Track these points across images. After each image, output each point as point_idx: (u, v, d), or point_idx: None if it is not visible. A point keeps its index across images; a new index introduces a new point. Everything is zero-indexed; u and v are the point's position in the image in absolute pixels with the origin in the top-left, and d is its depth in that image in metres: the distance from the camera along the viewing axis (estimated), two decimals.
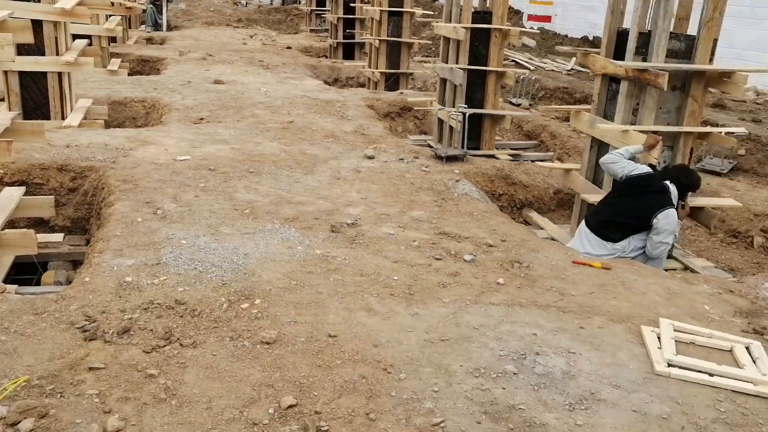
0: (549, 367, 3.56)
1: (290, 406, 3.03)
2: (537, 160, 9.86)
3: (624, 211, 5.66)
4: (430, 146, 9.26)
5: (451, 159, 7.89)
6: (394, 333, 3.80)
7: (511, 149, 10.43)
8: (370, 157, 7.65)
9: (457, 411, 3.15)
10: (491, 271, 4.86)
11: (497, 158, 9.22)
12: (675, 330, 4.14)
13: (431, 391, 3.28)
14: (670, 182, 5.71)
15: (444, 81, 9.71)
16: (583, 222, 5.97)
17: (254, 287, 4.15)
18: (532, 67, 15.68)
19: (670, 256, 6.46)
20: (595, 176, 6.71)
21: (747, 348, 4.03)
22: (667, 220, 5.50)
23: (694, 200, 6.26)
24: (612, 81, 6.54)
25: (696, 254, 7.14)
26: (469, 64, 9.23)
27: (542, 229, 7.18)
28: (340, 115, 9.76)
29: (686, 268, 6.38)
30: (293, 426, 2.91)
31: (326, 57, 17.10)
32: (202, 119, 8.93)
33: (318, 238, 5.09)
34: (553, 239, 6.78)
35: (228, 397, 3.10)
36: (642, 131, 5.90)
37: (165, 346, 3.51)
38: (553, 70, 15.79)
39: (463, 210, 6.23)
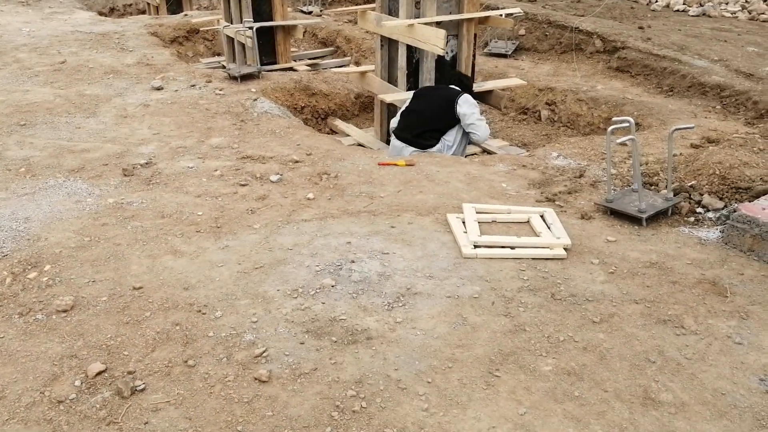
0: (365, 273, 3.59)
1: (99, 373, 2.83)
2: (335, 67, 9.77)
3: (429, 117, 5.77)
4: (223, 67, 8.84)
5: (246, 78, 7.58)
6: (205, 271, 3.65)
7: (309, 59, 10.23)
8: (159, 89, 7.15)
9: (278, 337, 3.11)
10: (300, 188, 4.79)
11: (296, 70, 9.01)
12: (477, 212, 4.33)
13: (250, 323, 3.20)
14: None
15: None
16: (393, 137, 6.01)
17: (41, 253, 3.78)
18: None
19: (469, 142, 6.73)
20: (390, 75, 6.74)
21: (542, 216, 4.32)
22: (467, 101, 5.72)
23: (483, 85, 6.50)
24: None
25: (492, 135, 7.51)
26: None
27: (348, 135, 7.18)
28: (120, 47, 9.00)
29: (484, 150, 6.69)
30: (105, 393, 2.71)
31: None
32: None
33: (110, 186, 4.71)
34: (360, 144, 6.81)
35: (24, 380, 2.82)
36: (426, 23, 5.95)
37: None
38: None
39: (264, 129, 6.04)
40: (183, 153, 5.42)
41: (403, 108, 6.03)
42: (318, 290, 3.46)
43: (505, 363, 2.98)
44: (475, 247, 3.90)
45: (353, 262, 3.70)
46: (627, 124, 4.36)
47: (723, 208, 4.35)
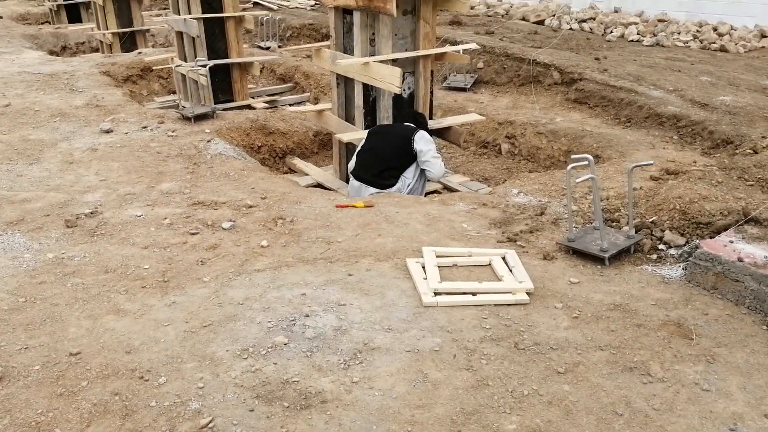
0: (320, 328, 3.42)
1: None
2: (294, 103, 9.66)
3: (387, 155, 5.69)
4: (178, 107, 8.65)
5: (200, 118, 7.41)
6: (149, 331, 3.44)
7: (267, 95, 10.12)
8: (108, 131, 6.94)
9: (226, 404, 2.91)
10: (254, 235, 4.61)
11: (254, 108, 8.87)
12: (438, 256, 4.20)
13: (196, 389, 3.00)
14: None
15: (180, 34, 9.05)
16: (352, 179, 5.91)
17: None
18: (275, 7, 15.26)
19: (429, 179, 6.64)
20: (347, 114, 6.64)
21: (503, 258, 4.20)
22: (423, 138, 5.68)
23: (442, 121, 6.42)
24: (346, 13, 6.41)
25: (453, 171, 7.43)
26: (203, 13, 8.66)
27: (307, 174, 7.03)
28: (69, 87, 8.76)
29: (445, 187, 6.59)
30: None
31: (48, 23, 15.32)
32: None
33: (50, 239, 4.48)
34: (319, 184, 6.67)
35: None
36: (382, 61, 5.86)
37: None
38: (297, 8, 15.52)
39: (218, 172, 5.86)
40: (131, 200, 5.21)
41: (359, 147, 5.92)
42: (270, 349, 3.27)
43: (468, 423, 2.83)
44: (436, 294, 3.76)
45: (308, 316, 3.53)
46: (586, 162, 4.28)
47: (685, 245, 4.28)
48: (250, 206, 5.05)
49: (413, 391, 3.00)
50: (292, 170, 7.37)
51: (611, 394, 3.02)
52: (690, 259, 3.99)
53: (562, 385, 3.07)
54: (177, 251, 4.35)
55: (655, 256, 4.27)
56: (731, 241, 3.95)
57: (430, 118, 6.41)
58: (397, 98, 6.16)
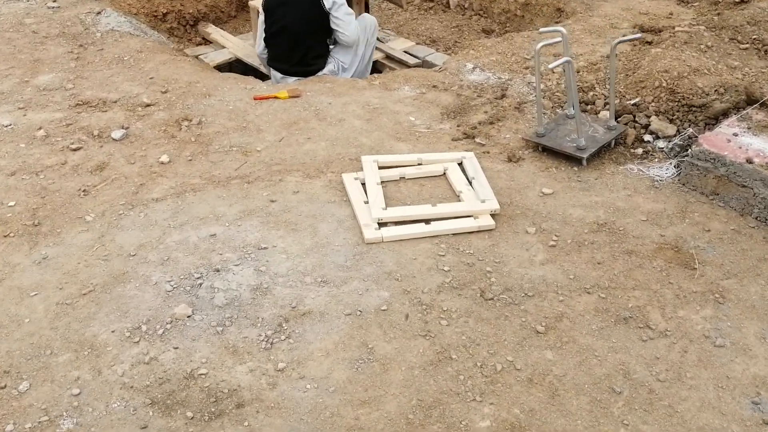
0: (233, 290, 2.67)
1: None
2: None
3: (301, 31, 4.56)
4: None
5: None
6: (10, 306, 2.64)
7: None
8: None
9: (110, 418, 2.20)
10: (152, 145, 3.71)
11: None
12: (381, 167, 3.42)
13: (70, 397, 2.27)
14: None
15: None
16: (274, 72, 4.83)
17: None
18: None
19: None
20: None
21: (460, 164, 3.44)
22: None
23: None
24: None
25: (395, 32, 6.42)
26: None
27: (224, 48, 5.94)
28: None
29: (387, 56, 5.64)
30: None
31: None
32: None
33: None
34: (238, 61, 5.63)
35: None
36: None
37: None
38: None
39: (109, 56, 4.78)
40: None
41: (260, 30, 4.73)
42: (169, 326, 2.53)
43: (428, 423, 2.19)
44: (380, 225, 3.01)
45: (218, 271, 2.76)
46: (559, 39, 3.42)
47: (675, 135, 3.57)
48: (148, 105, 4.09)
49: (356, 378, 2.33)
50: (206, 40, 6.24)
51: (605, 362, 2.41)
52: (686, 158, 3.29)
53: (544, 352, 2.45)
54: (53, 177, 3.44)
55: (640, 151, 3.56)
56: (735, 134, 3.24)
57: None
58: None
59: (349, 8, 4.63)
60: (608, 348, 2.46)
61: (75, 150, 3.66)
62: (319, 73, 4.64)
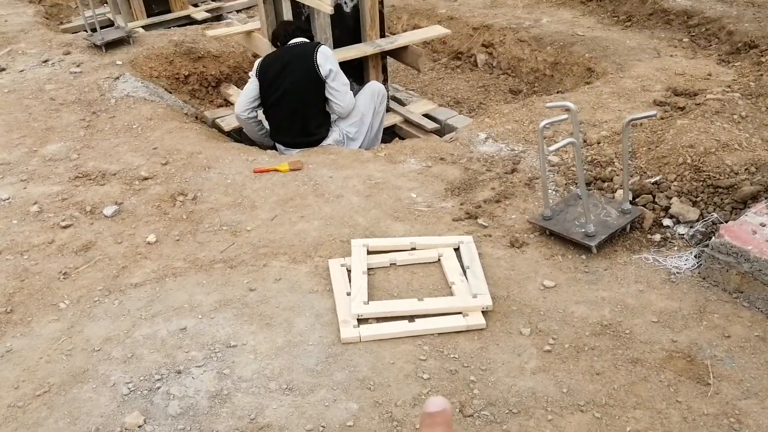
0: (190, 397, 2.47)
1: None
2: (242, 9, 8.37)
3: (298, 101, 4.44)
4: (112, 25, 7.33)
5: (113, 45, 6.16)
6: None
7: (212, 1, 8.76)
8: (0, 70, 5.74)
9: None
10: (142, 223, 3.59)
11: (194, 19, 7.61)
12: (370, 252, 3.20)
13: None
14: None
15: None
16: (279, 146, 4.72)
17: None
18: None
19: (387, 109, 5.51)
20: None
21: (457, 250, 3.20)
22: (327, 55, 4.39)
23: (395, 39, 5.21)
24: None
25: (420, 92, 6.27)
26: None
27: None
28: None
29: (406, 120, 5.47)
30: None
31: None
32: None
33: None
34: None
35: None
36: None
37: None
38: None
39: (119, 124, 4.75)
40: (3, 174, 4.15)
41: (246, 91, 4.56)
42: None
43: None
44: (360, 321, 2.78)
45: (179, 373, 2.57)
46: (565, 116, 3.17)
47: (698, 220, 3.25)
48: (146, 178, 3.99)
49: None
50: (228, 102, 6.21)
51: None
52: (706, 249, 2.97)
53: None
54: (37, 257, 3.35)
55: (658, 237, 3.25)
56: (763, 225, 2.91)
57: (382, 36, 5.20)
58: (339, 14, 4.93)
59: (346, 79, 4.49)
60: None
61: (65, 228, 3.57)
62: (324, 143, 4.49)
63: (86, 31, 6.27)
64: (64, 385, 2.56)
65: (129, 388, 2.51)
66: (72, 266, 3.27)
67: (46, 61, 5.88)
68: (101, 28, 6.11)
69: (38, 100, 5.13)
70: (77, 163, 4.22)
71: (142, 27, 7.39)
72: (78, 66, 5.71)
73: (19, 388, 2.57)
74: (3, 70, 5.72)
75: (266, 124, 4.76)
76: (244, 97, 4.53)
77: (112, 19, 7.53)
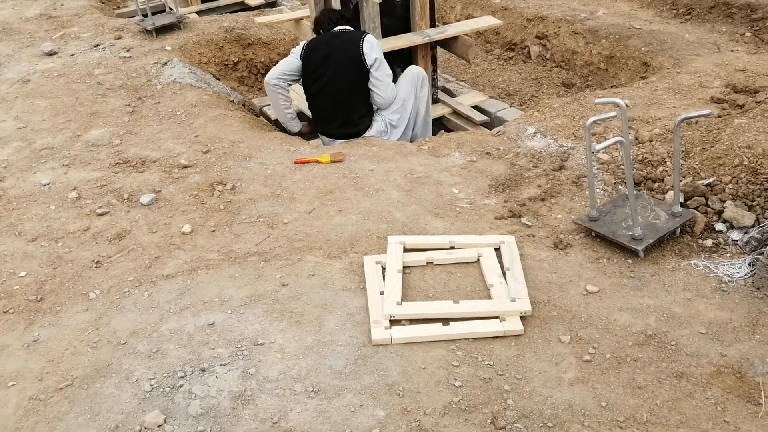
0: (213, 396, 2.42)
1: None
2: None
3: (342, 91, 4.34)
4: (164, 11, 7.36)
5: (164, 30, 6.17)
6: None
7: None
8: (51, 54, 5.82)
9: None
10: (179, 213, 3.56)
11: (249, 6, 7.60)
12: (406, 249, 3.10)
13: None
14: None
15: None
16: (322, 137, 4.64)
17: None
18: None
19: (436, 101, 5.39)
20: None
21: (498, 250, 3.07)
22: (373, 45, 4.28)
23: (445, 29, 5.06)
24: None
25: (470, 83, 6.12)
26: None
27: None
28: None
29: (454, 111, 5.33)
30: None
31: None
32: None
33: None
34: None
35: None
36: None
37: None
38: None
39: (163, 110, 4.74)
40: (46, 158, 4.18)
41: (283, 63, 4.45)
42: None
43: None
44: (392, 323, 2.68)
45: (203, 371, 2.52)
46: (614, 114, 3.00)
47: (753, 226, 3.05)
48: (185, 166, 3.97)
49: None
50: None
51: None
52: (761, 258, 2.77)
53: None
54: (72, 245, 3.35)
55: (709, 242, 3.06)
56: None
57: (432, 26, 5.06)
58: (387, 3, 4.81)
59: (390, 70, 4.37)
60: None
61: (101, 215, 3.56)
62: (367, 134, 4.40)
63: (139, 15, 6.30)
64: (87, 378, 2.54)
65: (151, 385, 2.48)
66: (105, 255, 3.26)
67: (97, 45, 5.93)
68: (153, 13, 6.13)
69: (86, 85, 5.17)
70: (119, 149, 4.22)
71: (196, 12, 7.40)
72: (128, 51, 5.74)
73: (43, 380, 2.56)
74: (54, 53, 5.79)
75: (308, 113, 4.69)
76: (280, 67, 4.42)
77: (165, 3, 7.56)
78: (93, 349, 2.67)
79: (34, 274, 3.14)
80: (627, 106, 4.11)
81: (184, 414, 2.35)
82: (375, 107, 4.45)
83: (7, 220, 3.56)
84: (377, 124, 4.43)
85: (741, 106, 4.03)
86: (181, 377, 2.49)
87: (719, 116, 3.89)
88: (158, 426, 2.31)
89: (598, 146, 2.78)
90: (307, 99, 4.49)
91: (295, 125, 4.66)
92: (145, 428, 2.30)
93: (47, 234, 3.43)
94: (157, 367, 2.55)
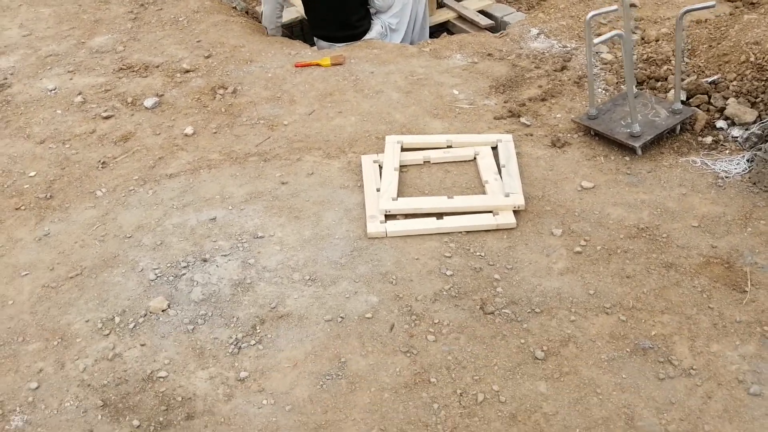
0: (213, 284, 2.52)
1: None
2: None
3: None
4: None
5: None
6: (1, 286, 2.62)
7: None
8: None
9: (59, 419, 2.13)
10: (181, 115, 3.60)
11: None
12: (404, 149, 3.13)
13: (27, 391, 2.22)
14: None
15: None
16: (321, 42, 4.54)
17: None
18: None
19: (441, 5, 5.27)
20: None
21: (495, 148, 3.09)
22: None
23: None
24: None
25: None
26: None
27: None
28: None
29: (460, 16, 5.22)
30: None
31: None
32: None
33: None
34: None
35: None
36: None
37: None
38: None
39: (167, 15, 4.70)
40: (51, 65, 4.20)
41: None
42: (142, 319, 2.42)
43: None
44: (387, 217, 2.74)
45: (205, 261, 2.61)
46: (614, 7, 2.95)
47: (755, 122, 3.03)
48: (188, 71, 3.97)
49: (319, 396, 2.13)
50: None
51: (607, 402, 2.07)
52: (759, 153, 2.78)
53: (537, 383, 2.14)
54: (78, 146, 3.41)
55: (709, 139, 3.06)
56: None
57: None
58: None
59: None
60: (615, 385, 2.11)
61: (106, 118, 3.61)
62: (367, 36, 4.34)
63: None
64: (95, 268, 2.65)
65: (156, 274, 2.58)
66: (111, 156, 3.32)
67: None
68: None
69: None
70: (122, 55, 4.22)
71: None
72: None
73: (54, 270, 2.67)
74: None
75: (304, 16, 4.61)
76: None
77: None
78: (100, 242, 2.77)
79: (43, 174, 3.21)
80: (633, 5, 4.03)
81: (186, 299, 2.45)
82: (373, 10, 4.37)
83: (16, 123, 3.62)
84: (377, 27, 4.36)
85: (753, 4, 3.93)
86: (183, 267, 2.59)
87: (731, 14, 3.80)
88: (162, 311, 2.42)
89: (596, 40, 2.75)
90: (304, 2, 4.42)
91: (276, 32, 4.62)
92: (150, 312, 2.41)
93: (54, 137, 3.49)
94: (161, 258, 2.65)
